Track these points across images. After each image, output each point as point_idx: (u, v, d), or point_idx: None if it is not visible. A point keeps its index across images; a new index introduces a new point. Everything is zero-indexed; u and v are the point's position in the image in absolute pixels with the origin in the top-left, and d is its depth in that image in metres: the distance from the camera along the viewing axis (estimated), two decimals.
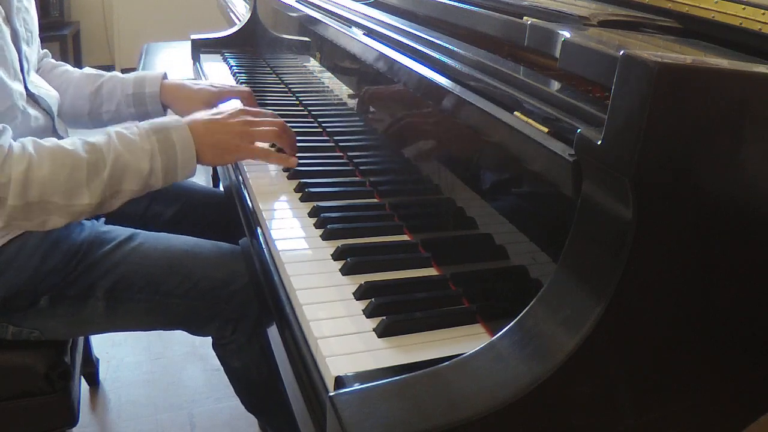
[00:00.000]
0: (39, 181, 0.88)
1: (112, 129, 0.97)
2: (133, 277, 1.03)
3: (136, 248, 1.05)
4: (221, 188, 1.51)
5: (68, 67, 1.33)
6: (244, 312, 1.07)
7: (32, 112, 1.05)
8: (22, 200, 0.87)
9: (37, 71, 1.21)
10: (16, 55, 1.02)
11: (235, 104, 1.18)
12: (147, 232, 1.10)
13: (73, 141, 0.94)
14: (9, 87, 0.97)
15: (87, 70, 1.33)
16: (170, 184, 1.00)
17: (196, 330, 1.12)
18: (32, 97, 1.07)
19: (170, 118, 1.01)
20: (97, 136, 0.96)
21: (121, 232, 1.07)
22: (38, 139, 0.93)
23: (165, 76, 1.31)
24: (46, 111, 1.10)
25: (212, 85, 1.32)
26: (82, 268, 1.02)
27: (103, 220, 1.14)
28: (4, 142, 0.88)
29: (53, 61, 1.35)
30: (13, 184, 0.86)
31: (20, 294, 1.00)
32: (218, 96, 1.29)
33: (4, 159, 0.87)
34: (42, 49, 1.30)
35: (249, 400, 1.26)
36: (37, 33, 1.16)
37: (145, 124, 0.99)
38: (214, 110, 1.08)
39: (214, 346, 1.16)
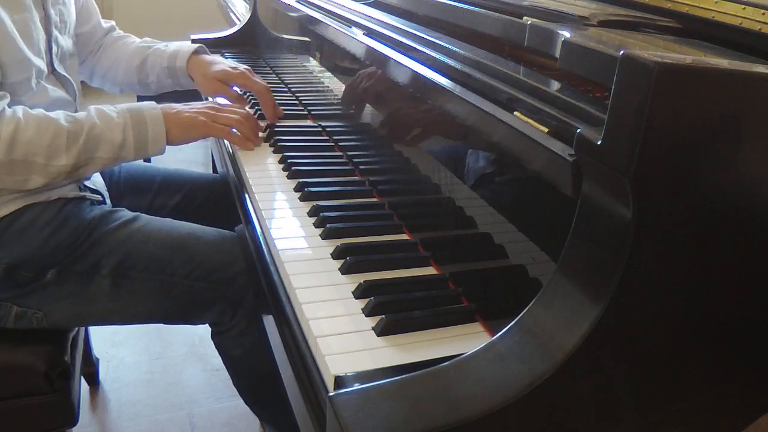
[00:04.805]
0: (24, 141, 0.99)
1: (93, 106, 1.08)
2: (139, 255, 1.08)
3: (141, 228, 1.11)
4: None
5: (132, 38, 1.45)
6: (244, 295, 1.09)
7: (53, 88, 1.13)
8: (7, 156, 0.98)
9: (82, 58, 1.35)
10: (44, 36, 1.12)
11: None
12: (151, 216, 1.16)
13: (57, 113, 1.05)
14: (29, 60, 1.05)
15: (140, 42, 1.44)
16: (142, 158, 1.11)
17: (196, 316, 1.14)
18: (56, 76, 1.16)
19: (148, 102, 1.13)
20: (80, 112, 1.08)
21: (127, 213, 1.15)
22: (28, 108, 1.02)
23: (198, 51, 1.39)
24: (68, 92, 1.18)
25: (234, 67, 1.34)
26: (89, 243, 1.08)
27: (110, 204, 1.20)
28: None
29: (121, 33, 1.47)
30: (1, 142, 0.97)
31: (28, 263, 1.05)
32: (232, 76, 1.32)
33: None
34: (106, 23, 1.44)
35: (249, 393, 1.26)
36: (73, 25, 1.26)
37: (124, 105, 1.11)
38: (188, 103, 1.19)
39: (214, 336, 1.18)
